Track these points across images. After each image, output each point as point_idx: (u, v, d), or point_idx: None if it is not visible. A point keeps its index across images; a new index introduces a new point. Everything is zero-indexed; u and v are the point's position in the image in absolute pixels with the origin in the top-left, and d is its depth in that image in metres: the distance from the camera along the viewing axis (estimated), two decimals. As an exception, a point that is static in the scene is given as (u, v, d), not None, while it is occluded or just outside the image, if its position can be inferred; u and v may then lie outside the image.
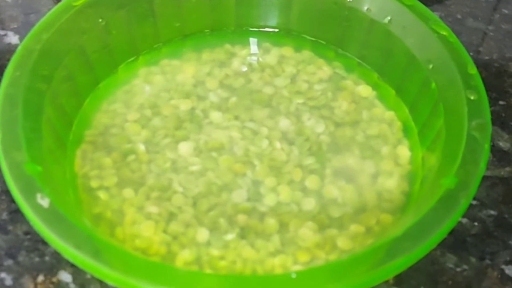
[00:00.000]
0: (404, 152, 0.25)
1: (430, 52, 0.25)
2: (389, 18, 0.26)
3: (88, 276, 0.23)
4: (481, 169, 0.20)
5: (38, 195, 0.19)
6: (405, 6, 0.25)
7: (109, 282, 0.18)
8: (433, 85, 0.24)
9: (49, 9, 0.26)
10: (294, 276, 0.18)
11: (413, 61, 0.25)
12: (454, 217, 0.19)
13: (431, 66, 0.24)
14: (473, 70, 0.23)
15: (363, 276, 0.18)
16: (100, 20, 0.26)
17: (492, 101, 0.29)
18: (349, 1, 0.27)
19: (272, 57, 0.29)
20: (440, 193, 0.20)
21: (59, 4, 0.25)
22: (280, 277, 0.19)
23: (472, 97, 0.22)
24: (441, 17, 0.34)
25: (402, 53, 0.26)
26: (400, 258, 0.18)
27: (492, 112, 0.29)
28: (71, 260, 0.18)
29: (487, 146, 0.21)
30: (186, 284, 0.18)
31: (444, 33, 0.25)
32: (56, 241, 0.18)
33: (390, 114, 0.27)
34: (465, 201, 0.19)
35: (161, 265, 0.19)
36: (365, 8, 0.27)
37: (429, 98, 0.24)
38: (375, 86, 0.28)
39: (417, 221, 0.19)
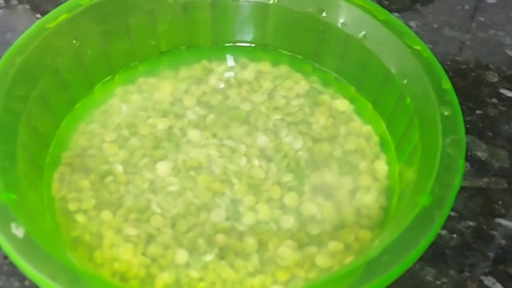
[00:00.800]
0: (381, 166, 0.25)
1: (404, 66, 0.25)
2: (363, 33, 0.26)
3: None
4: (455, 186, 0.20)
5: (13, 225, 0.19)
6: (379, 21, 0.26)
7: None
8: (408, 100, 0.24)
9: (26, 28, 0.26)
10: (271, 300, 0.18)
11: (389, 76, 0.25)
12: (430, 236, 0.19)
13: (405, 81, 0.24)
14: (447, 85, 0.23)
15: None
16: (74, 41, 0.26)
17: (469, 111, 0.30)
18: (324, 16, 0.27)
19: (249, 72, 0.29)
20: (416, 211, 0.20)
21: (32, 26, 0.25)
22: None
23: (446, 113, 0.23)
24: (417, 26, 0.34)
25: (378, 68, 0.26)
26: (377, 279, 0.18)
27: (469, 122, 0.29)
28: (47, 290, 0.18)
29: (461, 163, 0.21)
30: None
31: (418, 47, 0.25)
32: (32, 272, 0.18)
33: (367, 128, 0.27)
34: (440, 219, 0.20)
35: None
36: (340, 22, 0.27)
37: (405, 112, 0.24)
38: (352, 100, 0.28)
39: (393, 240, 0.19)
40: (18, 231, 0.19)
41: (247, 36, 0.29)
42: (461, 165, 0.21)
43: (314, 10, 0.27)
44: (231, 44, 0.29)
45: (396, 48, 0.25)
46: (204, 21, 0.29)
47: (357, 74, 0.27)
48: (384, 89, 0.26)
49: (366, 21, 0.26)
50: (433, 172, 0.21)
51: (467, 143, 0.28)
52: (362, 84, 0.27)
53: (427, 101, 0.23)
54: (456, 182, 0.20)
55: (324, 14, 0.27)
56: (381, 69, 0.26)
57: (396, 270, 0.18)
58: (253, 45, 0.29)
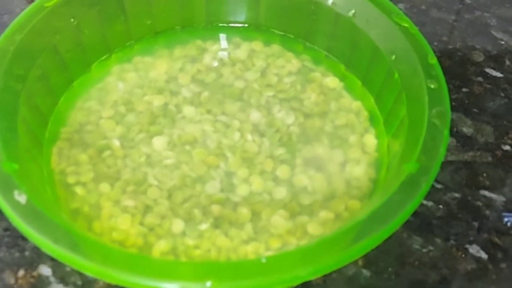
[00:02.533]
0: (370, 140, 0.26)
1: (393, 43, 0.26)
2: (353, 11, 0.27)
3: (68, 269, 0.24)
4: (441, 154, 0.21)
5: (16, 192, 0.20)
6: (368, 0, 0.26)
7: (88, 273, 0.19)
8: (396, 75, 0.25)
9: (22, 10, 0.26)
10: (264, 260, 0.19)
11: (377, 53, 0.26)
12: (416, 200, 0.20)
13: (394, 57, 0.25)
14: (433, 60, 0.24)
15: (330, 258, 0.19)
16: (72, 20, 0.26)
17: (456, 89, 0.31)
18: (315, -4, 0.28)
19: (242, 51, 0.29)
20: (402, 178, 0.21)
21: (32, 5, 0.26)
22: (251, 262, 0.20)
23: (432, 86, 0.23)
24: (406, 8, 0.35)
25: (367, 45, 0.27)
26: (365, 241, 0.19)
27: (455, 99, 0.30)
28: (49, 253, 0.19)
29: (446, 132, 0.22)
30: (161, 273, 0.18)
31: (406, 25, 0.26)
32: (35, 236, 0.19)
33: (357, 104, 0.28)
34: (426, 184, 0.20)
35: (137, 256, 0.20)
36: (330, 2, 0.27)
37: (393, 87, 0.25)
38: (342, 78, 0.28)
39: (381, 204, 0.20)
40: (21, 198, 0.20)
41: (240, 16, 0.30)
42: (446, 134, 0.22)
43: (305, -11, 0.28)
44: (224, 24, 0.30)
45: (384, 25, 0.26)
46: (198, 2, 0.29)
47: (347, 52, 0.28)
48: (373, 66, 0.27)
49: (356, 0, 0.27)
50: (419, 142, 0.22)
51: (453, 120, 0.29)
52: (352, 62, 0.28)
53: (414, 75, 0.24)
54: (442, 150, 0.21)
55: (315, -7, 0.28)
56: (370, 46, 0.27)
57: (383, 233, 0.19)
58: (246, 25, 0.30)
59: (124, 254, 0.19)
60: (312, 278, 0.19)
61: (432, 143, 0.22)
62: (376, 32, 0.26)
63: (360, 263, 0.24)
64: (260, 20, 0.30)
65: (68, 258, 0.19)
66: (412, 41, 0.25)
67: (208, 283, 0.18)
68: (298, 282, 0.19)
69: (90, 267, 0.18)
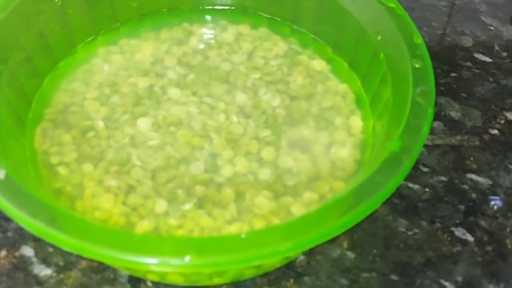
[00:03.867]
0: (356, 122, 0.26)
1: (378, 24, 0.25)
2: (339, -7, 0.27)
3: (50, 250, 0.24)
4: (424, 132, 0.21)
5: (-6, 168, 0.20)
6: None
7: (66, 249, 0.19)
8: (382, 55, 0.25)
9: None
10: (243, 236, 0.18)
11: (363, 34, 0.26)
12: (398, 177, 0.20)
13: (379, 37, 0.25)
14: (418, 39, 0.24)
15: (310, 234, 0.18)
16: (57, 0, 0.26)
17: (444, 74, 0.31)
18: (301, -23, 0.28)
19: (229, 34, 0.29)
20: (385, 155, 0.21)
21: (15, -16, 0.26)
22: (231, 237, 0.19)
23: (417, 66, 0.23)
24: (396, -5, 0.35)
25: (353, 27, 0.27)
26: (345, 217, 0.19)
27: (444, 84, 0.30)
28: (27, 228, 0.19)
29: (430, 111, 0.22)
30: (141, 248, 0.18)
31: (392, 5, 0.25)
32: (12, 210, 0.19)
33: (343, 87, 0.27)
34: (408, 162, 0.20)
35: (116, 231, 0.20)
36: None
37: (378, 68, 0.25)
38: (329, 60, 0.28)
39: (362, 182, 0.20)
40: (0, 173, 0.20)
41: (229, -1, 0.30)
42: (430, 113, 0.22)
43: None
44: (211, 7, 0.30)
45: (370, 6, 0.26)
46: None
47: (334, 34, 0.28)
48: (359, 47, 0.27)
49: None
50: (403, 120, 0.22)
51: (441, 104, 0.29)
52: (339, 44, 0.28)
53: (399, 55, 0.24)
54: (425, 128, 0.21)
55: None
56: (356, 28, 0.26)
57: (363, 210, 0.19)
58: (232, 8, 0.30)
59: (103, 229, 0.19)
60: (292, 253, 0.19)
61: (415, 121, 0.21)
62: (362, 13, 0.26)
63: (345, 245, 0.24)
64: (246, 3, 0.30)
65: (46, 233, 0.18)
66: (397, 21, 0.25)
67: (187, 258, 0.18)
68: (278, 257, 0.18)
69: (68, 242, 0.18)
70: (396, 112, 0.23)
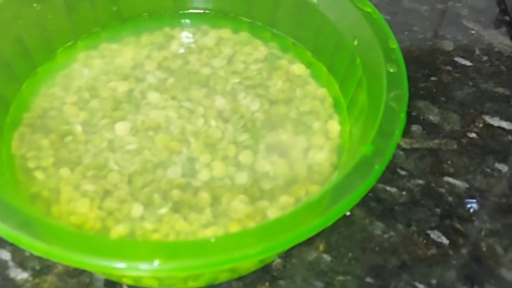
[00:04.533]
0: (334, 126, 0.26)
1: (355, 29, 0.25)
2: (317, -2, 0.27)
3: (27, 254, 0.24)
4: (396, 136, 0.21)
5: (-35, 173, 0.20)
6: (332, -14, 0.26)
7: (36, 253, 0.19)
8: (358, 60, 0.25)
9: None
10: (213, 240, 0.18)
11: (341, 39, 0.26)
12: (369, 180, 0.20)
13: (356, 42, 0.25)
14: (394, 44, 0.24)
15: (280, 237, 0.19)
16: (35, 5, 0.26)
17: (424, 77, 0.31)
18: (280, -18, 0.28)
19: (210, 39, 0.29)
20: (357, 159, 0.21)
21: (-7, -11, 0.26)
22: (200, 242, 0.19)
23: (392, 70, 0.23)
24: (379, -1, 0.35)
25: (331, 32, 0.27)
26: (315, 221, 0.19)
27: (423, 88, 0.30)
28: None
29: (403, 116, 0.22)
30: (110, 252, 0.18)
31: (369, 10, 0.26)
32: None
33: (322, 91, 0.27)
34: (379, 166, 0.20)
35: (86, 235, 0.20)
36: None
37: (355, 73, 0.25)
38: (308, 65, 0.28)
39: (333, 185, 0.20)
40: (-29, 179, 0.20)
41: (207, 3, 0.30)
42: (402, 117, 0.22)
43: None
44: (192, 11, 0.30)
45: (347, 11, 0.26)
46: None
47: (313, 39, 0.28)
48: (337, 52, 0.27)
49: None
50: (376, 124, 0.22)
51: (420, 108, 0.30)
52: (318, 49, 0.28)
53: (375, 59, 0.24)
54: (397, 133, 0.21)
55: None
56: (334, 32, 0.26)
57: (334, 212, 0.19)
58: (213, 12, 0.30)
59: (74, 234, 0.19)
60: (263, 256, 0.19)
61: (388, 125, 0.22)
62: (339, 18, 0.26)
63: (321, 248, 0.24)
64: (227, 7, 0.30)
65: (15, 238, 0.18)
66: (374, 26, 0.25)
67: (156, 262, 0.18)
68: (248, 260, 0.18)
69: (38, 247, 0.18)
70: (371, 116, 0.23)
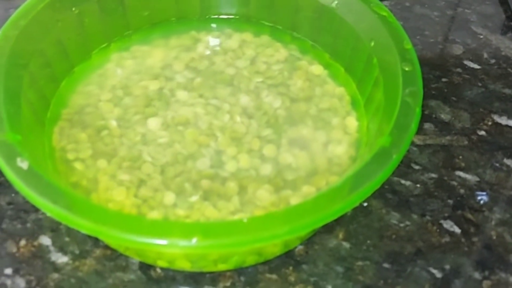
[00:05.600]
0: (352, 122, 0.28)
1: (372, 31, 0.27)
2: (336, 2, 0.29)
3: (67, 239, 0.26)
4: (412, 129, 0.23)
5: (18, 159, 0.22)
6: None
7: (84, 231, 0.20)
8: (375, 60, 0.27)
9: (27, 2, 0.28)
10: (245, 221, 0.20)
11: (358, 41, 0.28)
12: (387, 169, 0.22)
13: (373, 43, 0.27)
14: (408, 45, 0.26)
15: (305, 220, 0.20)
16: (74, 9, 0.28)
17: (436, 79, 0.32)
18: (300, -11, 0.30)
19: (233, 41, 0.31)
20: (375, 150, 0.22)
21: (36, -6, 0.28)
22: (234, 222, 0.21)
23: (407, 69, 0.25)
24: (391, 5, 0.37)
25: (349, 34, 0.28)
26: (337, 205, 0.21)
27: (435, 88, 0.32)
28: (48, 213, 0.21)
29: (418, 110, 0.24)
30: (152, 231, 0.20)
31: (384, 14, 0.27)
32: (35, 197, 0.21)
33: (340, 90, 0.29)
34: (397, 156, 0.22)
35: (129, 216, 0.21)
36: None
37: (372, 72, 0.27)
38: (326, 65, 0.30)
39: (354, 173, 0.22)
40: (23, 164, 0.21)
41: (231, 9, 0.32)
42: (417, 112, 0.23)
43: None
44: (217, 16, 0.32)
45: (364, 15, 0.28)
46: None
47: (331, 41, 0.30)
48: (355, 53, 0.28)
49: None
50: (393, 118, 0.23)
51: (432, 107, 0.31)
52: (336, 51, 0.30)
53: (391, 59, 0.26)
54: (413, 126, 0.23)
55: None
56: (351, 35, 0.28)
57: (355, 197, 0.21)
58: (237, 17, 0.32)
59: (117, 215, 0.21)
60: (289, 237, 0.20)
61: (404, 119, 0.23)
62: (357, 22, 0.28)
63: (341, 236, 0.26)
64: (250, 12, 0.32)
65: (65, 217, 0.20)
66: (389, 28, 0.27)
67: (194, 240, 0.19)
68: (277, 240, 0.20)
69: (85, 226, 0.20)
70: (387, 111, 0.24)
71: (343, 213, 0.21)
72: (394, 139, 0.23)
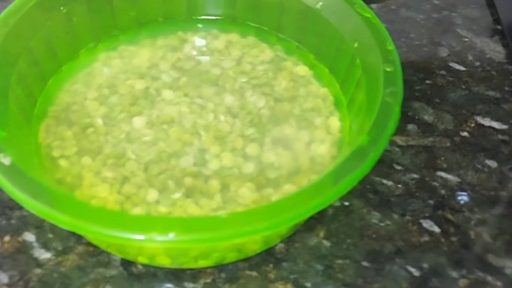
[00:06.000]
0: (334, 122, 0.28)
1: (356, 32, 0.28)
2: (320, 3, 0.29)
3: (50, 236, 0.26)
4: (390, 128, 0.23)
5: (1, 155, 0.22)
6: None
7: (65, 227, 0.21)
8: (358, 61, 0.27)
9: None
10: (224, 216, 0.20)
11: (342, 42, 0.28)
12: (364, 167, 0.22)
13: (356, 44, 0.27)
14: (391, 46, 0.26)
15: (284, 215, 0.21)
16: (62, 8, 0.29)
17: (420, 81, 0.33)
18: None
19: (220, 42, 0.32)
20: (353, 148, 0.23)
21: (25, -7, 0.28)
22: (212, 217, 0.21)
23: (388, 69, 0.26)
24: (377, 8, 0.37)
25: (333, 36, 0.29)
26: (314, 201, 0.21)
27: (419, 90, 0.32)
28: (29, 208, 0.21)
29: (397, 109, 0.24)
30: (130, 225, 0.20)
31: (368, 15, 0.28)
32: (16, 193, 0.21)
33: (324, 90, 0.30)
34: (374, 154, 0.22)
35: (108, 210, 0.22)
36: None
37: (355, 73, 0.27)
38: (311, 66, 0.31)
39: (332, 170, 0.22)
40: (5, 160, 0.22)
41: (217, 10, 0.32)
42: (396, 111, 0.24)
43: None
44: (203, 17, 0.33)
45: (348, 16, 0.28)
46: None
47: (316, 43, 0.30)
48: (339, 54, 0.29)
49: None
50: (372, 117, 0.24)
51: (415, 108, 0.32)
52: (320, 52, 0.30)
53: (373, 60, 0.26)
54: (391, 125, 0.23)
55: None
56: (336, 36, 0.29)
57: (331, 194, 0.21)
58: (223, 17, 0.32)
59: (97, 210, 0.21)
60: (267, 232, 0.21)
61: (383, 118, 0.24)
62: (341, 23, 0.28)
63: (321, 234, 0.26)
64: (236, 13, 0.32)
65: (46, 213, 0.20)
66: (373, 30, 0.27)
67: (171, 235, 0.20)
68: (256, 235, 0.20)
69: (66, 221, 0.20)
70: (368, 111, 0.25)
71: (320, 209, 0.21)
72: (372, 137, 0.23)
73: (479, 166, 0.29)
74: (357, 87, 0.27)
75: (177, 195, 0.25)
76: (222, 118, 0.28)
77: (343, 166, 0.22)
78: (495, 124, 0.31)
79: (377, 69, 0.26)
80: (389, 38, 0.27)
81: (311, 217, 0.26)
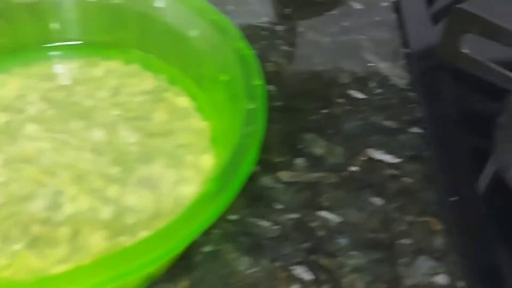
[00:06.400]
0: (206, 160, 0.26)
1: (226, 65, 0.26)
2: (195, 32, 0.27)
3: None
4: (240, 174, 0.21)
5: None
6: (208, 21, 0.27)
7: None
8: (228, 95, 0.25)
9: None
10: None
11: (217, 74, 0.26)
12: (204, 220, 0.20)
13: (226, 78, 0.26)
14: (257, 81, 0.24)
15: (115, 271, 0.19)
16: None
17: (316, 110, 0.31)
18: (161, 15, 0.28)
19: (99, 70, 0.30)
20: (201, 195, 0.21)
21: None
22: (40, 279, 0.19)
23: (251, 107, 0.24)
24: (284, 30, 0.35)
25: (210, 67, 0.27)
26: (146, 259, 0.19)
27: (313, 121, 0.31)
28: None
29: (252, 151, 0.22)
30: None
31: (241, 46, 0.26)
32: None
33: (204, 124, 0.28)
34: (218, 204, 0.20)
35: None
36: (175, 22, 0.28)
37: (227, 108, 0.25)
38: (194, 98, 0.29)
39: (177, 218, 0.20)
40: None
41: (102, 36, 0.30)
42: (251, 153, 0.22)
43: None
44: (79, 42, 0.31)
45: (221, 46, 0.26)
46: (53, 20, 0.30)
47: (197, 72, 0.29)
48: (215, 86, 0.27)
49: (197, 21, 0.27)
50: (227, 161, 0.22)
51: (306, 140, 0.30)
52: (202, 83, 0.28)
53: (240, 97, 0.24)
54: (242, 170, 0.21)
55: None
56: (212, 67, 0.27)
57: (165, 252, 0.19)
58: (106, 44, 0.30)
59: None
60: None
61: (237, 161, 0.22)
62: (215, 54, 0.27)
63: (183, 284, 0.24)
64: (121, 40, 0.30)
65: None
66: (243, 62, 0.25)
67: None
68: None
69: None
70: (230, 151, 0.23)
71: (159, 262, 0.19)
72: (219, 184, 0.21)
73: (362, 205, 0.27)
74: (230, 123, 0.25)
75: (18, 246, 0.23)
76: (85, 155, 0.26)
77: (188, 215, 0.20)
78: (388, 158, 0.29)
79: (241, 106, 0.24)
80: (257, 72, 0.25)
81: (175, 264, 0.24)
